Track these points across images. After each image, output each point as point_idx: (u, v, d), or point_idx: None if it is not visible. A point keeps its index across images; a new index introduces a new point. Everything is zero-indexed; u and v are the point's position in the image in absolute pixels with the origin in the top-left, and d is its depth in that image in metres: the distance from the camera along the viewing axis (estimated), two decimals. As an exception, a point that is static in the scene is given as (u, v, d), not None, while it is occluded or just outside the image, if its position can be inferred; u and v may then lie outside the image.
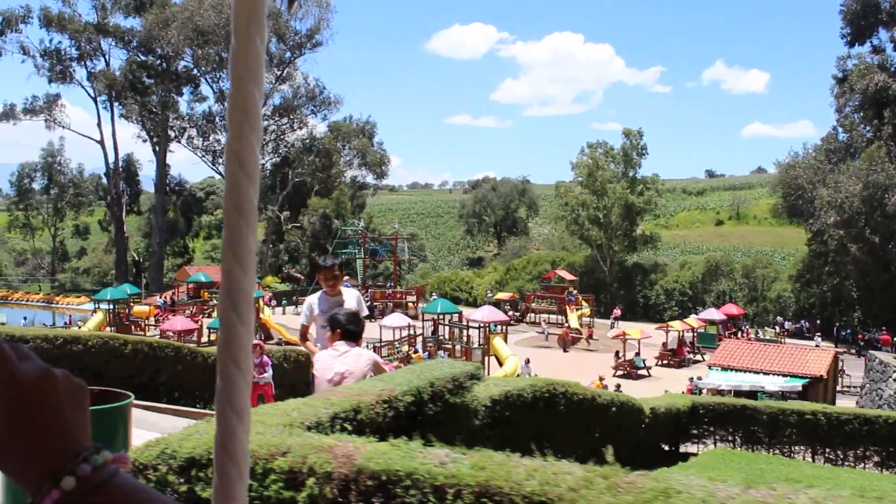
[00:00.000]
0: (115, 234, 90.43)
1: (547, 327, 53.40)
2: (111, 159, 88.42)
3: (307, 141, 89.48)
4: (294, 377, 16.44)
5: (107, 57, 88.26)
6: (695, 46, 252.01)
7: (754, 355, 33.62)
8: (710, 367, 33.94)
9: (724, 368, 33.10)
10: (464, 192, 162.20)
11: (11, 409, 0.85)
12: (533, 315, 59.69)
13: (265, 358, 15.70)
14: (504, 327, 42.33)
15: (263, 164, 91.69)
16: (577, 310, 57.12)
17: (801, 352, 34.28)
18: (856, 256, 53.94)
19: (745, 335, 54.05)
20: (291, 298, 67.95)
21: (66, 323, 58.04)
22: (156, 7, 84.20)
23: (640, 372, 43.31)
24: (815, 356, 33.50)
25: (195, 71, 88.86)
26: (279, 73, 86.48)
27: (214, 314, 51.40)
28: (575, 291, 59.05)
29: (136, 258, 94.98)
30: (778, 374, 32.02)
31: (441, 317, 43.42)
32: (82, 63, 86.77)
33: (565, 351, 48.97)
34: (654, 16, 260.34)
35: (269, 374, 15.39)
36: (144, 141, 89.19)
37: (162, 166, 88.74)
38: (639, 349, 44.87)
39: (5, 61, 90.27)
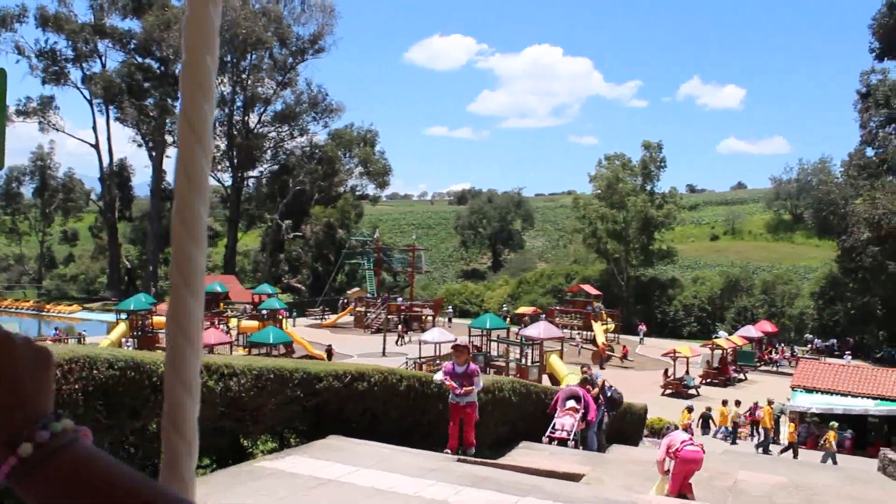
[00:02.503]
0: (109, 241, 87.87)
1: (581, 342, 52.00)
2: (106, 163, 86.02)
3: (307, 149, 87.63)
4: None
5: (103, 59, 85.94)
6: (672, 62, 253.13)
7: (836, 377, 32.40)
8: (793, 389, 32.60)
9: (809, 390, 31.82)
10: (448, 203, 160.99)
11: None
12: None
13: (472, 366, 12.23)
14: (561, 344, 40.72)
15: (262, 173, 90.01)
16: (603, 325, 55.85)
17: (882, 373, 33.08)
18: (891, 273, 53.16)
19: (780, 353, 53.07)
20: (302, 310, 66.14)
21: (56, 332, 55.71)
22: (156, 8, 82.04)
23: (689, 391, 42.04)
24: (899, 378, 32.32)
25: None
26: (281, 78, 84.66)
27: (244, 324, 49.42)
28: (600, 306, 57.82)
29: (129, 265, 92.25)
30: (868, 397, 30.82)
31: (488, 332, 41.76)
32: (78, 65, 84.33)
33: (601, 368, 47.49)
34: (632, 31, 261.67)
35: (478, 386, 12.05)
36: (140, 146, 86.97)
37: (158, 171, 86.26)
38: (687, 367, 43.62)
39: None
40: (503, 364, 39.75)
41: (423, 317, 61.84)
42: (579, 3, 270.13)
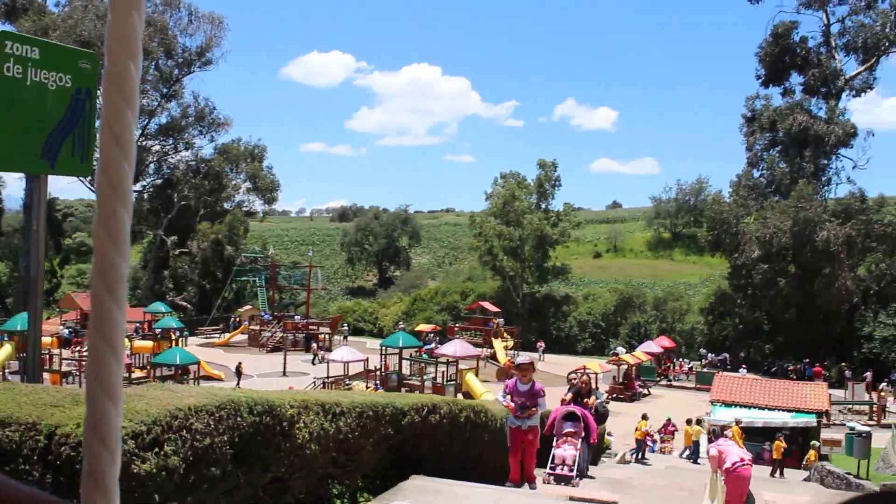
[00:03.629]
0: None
1: (486, 360, 51.79)
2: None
3: (193, 163, 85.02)
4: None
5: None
6: (548, 83, 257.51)
7: (752, 390, 33.06)
8: (713, 404, 33.06)
9: (728, 404, 32.32)
10: (330, 219, 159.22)
11: None
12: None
13: (537, 384, 11.38)
14: (476, 361, 40.33)
15: (144, 187, 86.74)
16: (503, 342, 55.94)
17: (796, 386, 33.97)
18: (781, 289, 55.06)
19: (678, 367, 54.14)
20: (192, 329, 63.72)
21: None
22: (32, 13, 78.43)
23: (599, 407, 42.20)
24: (812, 390, 33.20)
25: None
26: (167, 90, 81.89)
27: (137, 344, 47.16)
28: (500, 322, 57.90)
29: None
30: (784, 410, 31.53)
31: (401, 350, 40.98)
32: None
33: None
34: (510, 52, 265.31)
35: (542, 408, 11.29)
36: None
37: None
38: (597, 383, 43.85)
39: None
40: (418, 383, 39.13)
41: (320, 335, 60.59)
42: (459, 24, 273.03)
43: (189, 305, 78.10)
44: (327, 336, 60.10)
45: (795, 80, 64.43)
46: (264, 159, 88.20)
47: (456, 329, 59.27)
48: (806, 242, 53.31)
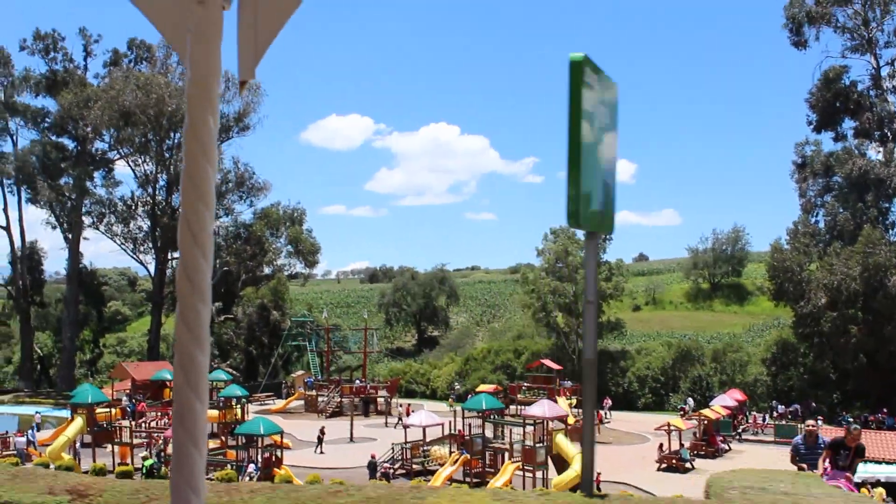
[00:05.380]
0: (21, 328, 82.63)
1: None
2: (17, 246, 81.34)
3: (231, 228, 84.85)
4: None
5: (14, 137, 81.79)
6: (566, 138, 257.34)
7: (887, 445, 31.97)
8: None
9: (869, 461, 31.17)
10: (360, 281, 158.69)
11: None
12: (516, 407, 56.77)
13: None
14: (565, 423, 39.19)
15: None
16: (567, 400, 54.74)
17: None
18: (852, 336, 53.86)
19: (752, 421, 52.80)
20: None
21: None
22: (73, 86, 78.88)
23: (685, 465, 40.97)
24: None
25: (112, 153, 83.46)
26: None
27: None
28: (567, 382, 56.95)
29: (40, 353, 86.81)
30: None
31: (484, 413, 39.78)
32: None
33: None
34: (527, 108, 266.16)
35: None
36: (54, 227, 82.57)
37: (75, 254, 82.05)
38: (680, 440, 42.66)
39: None
40: (504, 446, 38.03)
41: (376, 398, 59.60)
42: (476, 83, 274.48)
43: (236, 372, 77.20)
44: (384, 400, 59.14)
45: (847, 124, 64.05)
46: (304, 222, 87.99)
47: (519, 388, 58.26)
48: (878, 288, 52.31)
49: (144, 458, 35.20)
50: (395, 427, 50.42)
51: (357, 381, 61.19)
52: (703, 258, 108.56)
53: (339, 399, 58.59)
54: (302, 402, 60.94)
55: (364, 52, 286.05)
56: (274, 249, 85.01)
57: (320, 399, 59.14)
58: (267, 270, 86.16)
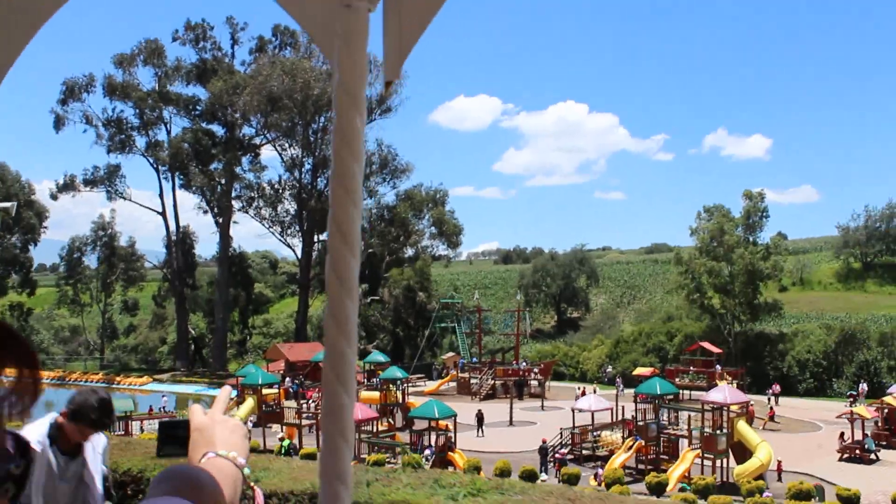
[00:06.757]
0: (177, 310, 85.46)
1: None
2: (172, 230, 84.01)
3: (375, 210, 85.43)
4: None
5: (168, 125, 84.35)
6: (697, 114, 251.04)
7: None
8: None
9: None
10: (494, 262, 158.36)
11: None
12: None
13: None
14: (746, 410, 37.73)
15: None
16: (727, 384, 52.89)
17: None
18: None
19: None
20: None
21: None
22: (222, 73, 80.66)
23: (870, 455, 38.88)
24: None
25: (259, 139, 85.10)
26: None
27: (362, 395, 46.45)
28: (726, 369, 55.22)
29: (193, 334, 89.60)
30: None
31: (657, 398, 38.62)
32: (143, 132, 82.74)
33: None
34: (657, 84, 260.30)
35: None
36: (206, 212, 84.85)
37: (225, 238, 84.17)
38: (863, 429, 40.53)
39: (65, 131, 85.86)
40: (680, 433, 36.82)
41: (528, 381, 58.91)
42: (605, 59, 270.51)
43: (382, 354, 77.93)
44: (538, 382, 58.46)
45: None
46: (446, 203, 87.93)
47: (677, 372, 56.76)
48: None
49: (281, 440, 35.44)
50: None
51: (523, 363, 60.61)
52: (854, 236, 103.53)
53: (492, 381, 58.22)
54: (454, 384, 60.78)
55: (491, 31, 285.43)
56: (417, 231, 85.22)
57: (473, 381, 58.86)
58: (409, 252, 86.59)
